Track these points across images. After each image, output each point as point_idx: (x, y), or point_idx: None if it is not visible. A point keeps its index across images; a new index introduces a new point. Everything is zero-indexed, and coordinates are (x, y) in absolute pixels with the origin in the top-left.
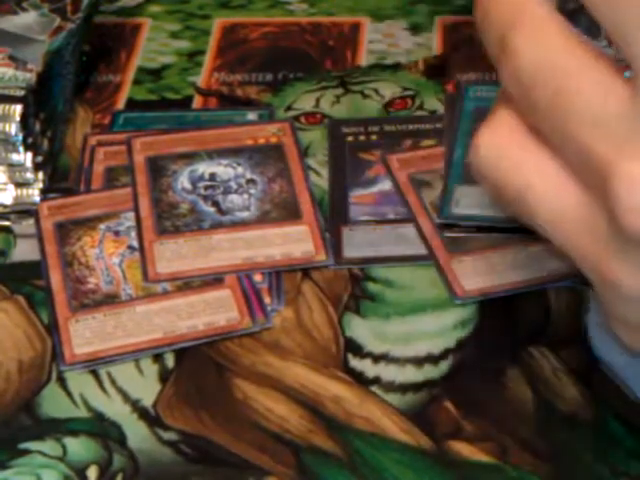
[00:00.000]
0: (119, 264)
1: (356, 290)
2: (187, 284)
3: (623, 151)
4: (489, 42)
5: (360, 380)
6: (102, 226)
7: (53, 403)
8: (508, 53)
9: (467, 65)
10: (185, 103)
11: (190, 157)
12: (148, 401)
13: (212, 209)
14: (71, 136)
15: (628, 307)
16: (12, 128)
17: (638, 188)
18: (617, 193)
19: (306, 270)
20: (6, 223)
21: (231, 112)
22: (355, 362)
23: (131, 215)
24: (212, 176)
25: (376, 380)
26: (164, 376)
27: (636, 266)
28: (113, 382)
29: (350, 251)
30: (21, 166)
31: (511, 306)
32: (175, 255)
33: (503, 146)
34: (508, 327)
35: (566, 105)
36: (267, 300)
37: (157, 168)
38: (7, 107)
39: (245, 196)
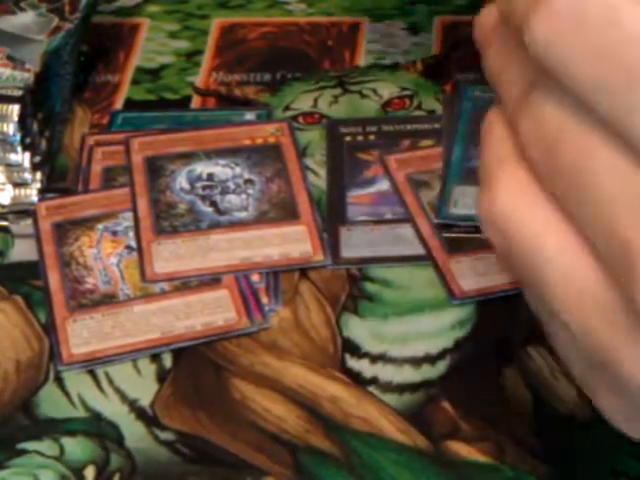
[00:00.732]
0: (117, 264)
1: (354, 290)
2: (185, 284)
3: None
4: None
5: (357, 380)
6: (100, 226)
7: (51, 403)
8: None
9: (466, 65)
10: (183, 103)
11: (188, 157)
12: (146, 401)
13: (210, 209)
14: (69, 136)
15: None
16: (10, 128)
17: None
18: None
19: (304, 270)
20: (4, 223)
21: (229, 112)
22: (353, 362)
23: (129, 215)
24: (210, 176)
25: (373, 380)
26: (162, 376)
27: None
28: (111, 382)
29: (348, 251)
30: (19, 166)
31: (509, 306)
32: (173, 255)
33: (516, 204)
34: (506, 327)
35: (589, 184)
36: (265, 300)
37: (155, 168)
38: (5, 107)
39: (243, 196)
